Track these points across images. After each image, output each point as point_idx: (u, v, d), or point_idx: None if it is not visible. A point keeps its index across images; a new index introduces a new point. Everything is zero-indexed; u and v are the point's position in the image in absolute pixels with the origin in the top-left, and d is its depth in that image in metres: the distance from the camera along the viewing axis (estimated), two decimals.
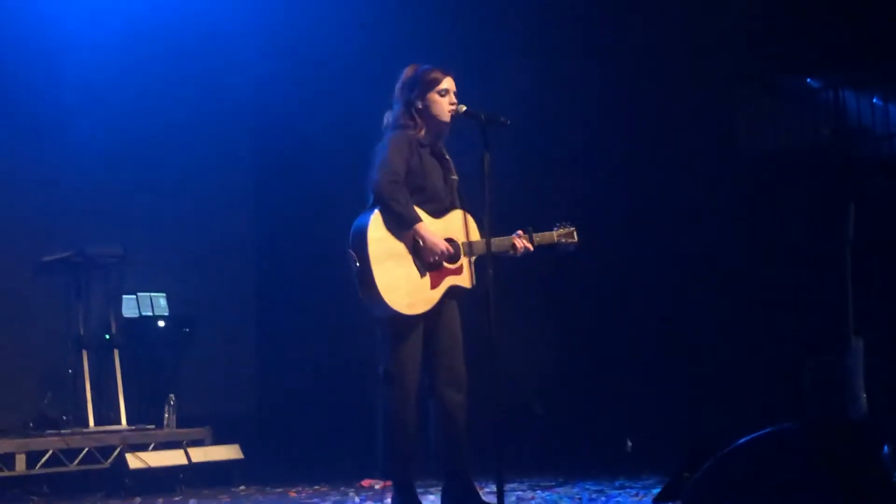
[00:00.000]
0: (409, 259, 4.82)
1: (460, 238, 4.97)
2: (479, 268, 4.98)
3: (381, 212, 4.81)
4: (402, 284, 4.78)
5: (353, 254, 4.79)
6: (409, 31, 8.94)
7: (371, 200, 4.86)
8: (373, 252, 4.75)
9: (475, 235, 4.99)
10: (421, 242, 4.80)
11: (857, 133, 9.48)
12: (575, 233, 5.25)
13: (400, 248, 4.81)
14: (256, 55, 9.79)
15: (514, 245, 5.07)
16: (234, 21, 9.65)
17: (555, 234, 5.21)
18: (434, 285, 4.88)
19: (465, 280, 4.96)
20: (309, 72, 9.44)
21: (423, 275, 4.85)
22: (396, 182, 4.81)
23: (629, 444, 8.18)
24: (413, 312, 4.82)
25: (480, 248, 4.90)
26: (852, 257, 6.47)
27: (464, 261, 4.96)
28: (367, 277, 4.73)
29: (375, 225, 4.79)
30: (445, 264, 4.89)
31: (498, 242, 5.02)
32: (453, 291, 4.95)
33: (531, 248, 5.12)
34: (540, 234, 5.17)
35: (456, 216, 5.02)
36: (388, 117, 5.09)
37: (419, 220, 4.82)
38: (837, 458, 4.17)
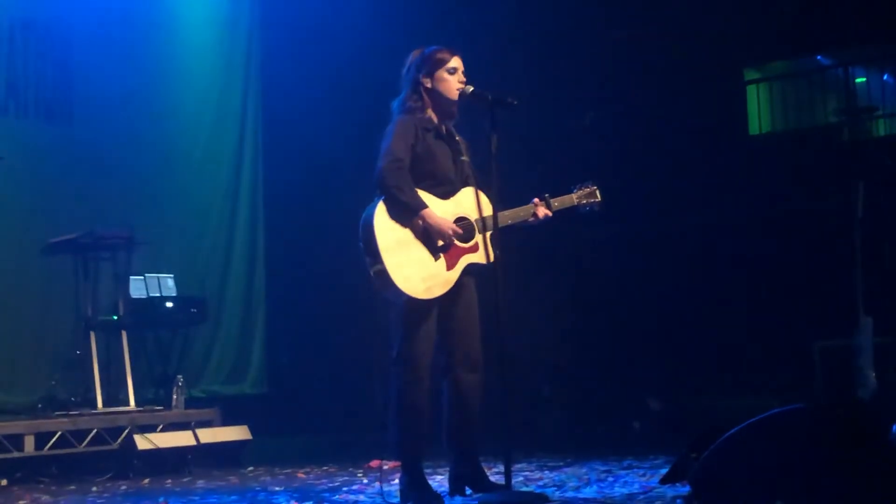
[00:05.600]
0: (419, 245, 4.79)
1: (473, 215, 4.93)
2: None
3: (385, 201, 4.77)
4: (416, 271, 4.75)
5: (364, 247, 4.77)
6: (416, 9, 8.92)
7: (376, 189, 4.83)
8: (382, 243, 4.71)
9: (489, 210, 4.93)
10: (428, 228, 4.78)
11: (867, 112, 9.45)
12: (597, 191, 5.20)
13: (408, 235, 4.78)
14: (262, 36, 9.80)
15: (534, 213, 5.04)
16: (244, 10, 9.68)
17: (574, 197, 5.17)
18: (450, 266, 4.84)
19: (481, 256, 4.91)
20: (315, 51, 9.44)
21: (436, 258, 4.82)
22: (400, 169, 4.78)
23: (636, 424, 8.19)
24: (431, 296, 4.79)
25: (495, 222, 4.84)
26: (861, 237, 6.45)
27: (479, 238, 4.92)
28: (381, 269, 4.70)
29: (381, 215, 4.76)
30: (459, 244, 4.86)
31: (516, 213, 5.00)
32: (470, 269, 4.93)
33: (550, 214, 5.09)
34: (558, 198, 5.13)
35: (466, 194, 4.98)
36: (395, 104, 5.05)
37: (424, 206, 4.79)
38: (845, 439, 4.16)
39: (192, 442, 7.02)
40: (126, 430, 6.90)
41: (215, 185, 9.44)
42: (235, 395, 9.01)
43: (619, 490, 5.33)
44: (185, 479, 6.55)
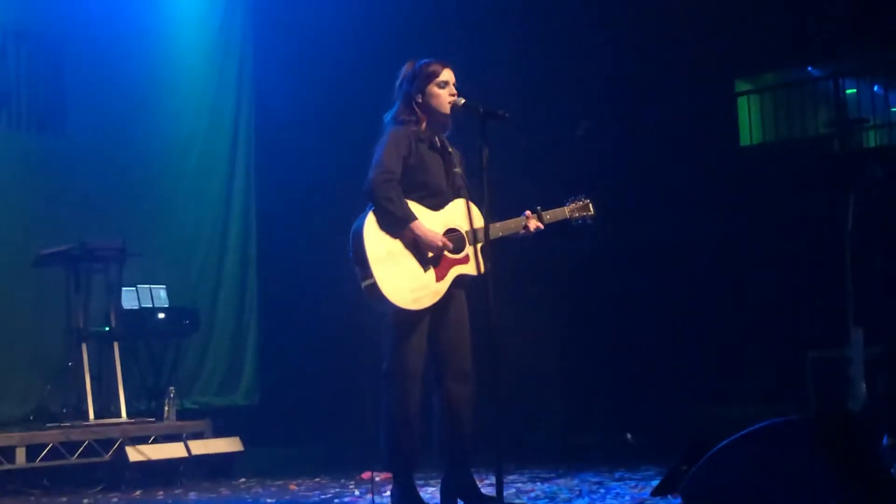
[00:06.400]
0: (409, 255, 4.80)
1: (464, 227, 4.94)
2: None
3: (375, 212, 4.79)
4: (405, 281, 4.76)
5: (353, 257, 4.78)
6: (408, 22, 8.94)
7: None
8: (371, 253, 4.73)
9: (479, 222, 4.93)
10: (418, 239, 4.78)
11: (857, 123, 9.47)
12: (590, 205, 5.19)
13: (398, 245, 4.79)
14: (255, 47, 9.81)
15: (525, 226, 5.04)
16: (237, 22, 9.68)
17: (566, 210, 5.16)
18: (440, 277, 4.85)
19: (471, 268, 4.92)
20: (308, 63, 9.44)
21: (426, 269, 4.82)
22: (390, 181, 4.79)
23: (629, 436, 8.19)
24: (420, 307, 4.79)
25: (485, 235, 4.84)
26: (852, 248, 6.46)
27: (469, 249, 4.93)
28: (370, 279, 4.71)
29: (371, 226, 4.78)
30: (449, 255, 4.86)
31: (507, 225, 5.00)
32: (460, 281, 4.93)
33: (542, 227, 5.09)
34: (550, 211, 5.13)
35: (457, 205, 4.98)
36: (387, 116, 5.06)
37: (414, 218, 4.80)
38: (836, 450, 4.16)
39: (184, 454, 7.02)
40: (118, 442, 6.90)
41: (208, 196, 9.43)
42: (227, 406, 9.01)
43: (610, 502, 5.34)
44: (176, 491, 6.55)
